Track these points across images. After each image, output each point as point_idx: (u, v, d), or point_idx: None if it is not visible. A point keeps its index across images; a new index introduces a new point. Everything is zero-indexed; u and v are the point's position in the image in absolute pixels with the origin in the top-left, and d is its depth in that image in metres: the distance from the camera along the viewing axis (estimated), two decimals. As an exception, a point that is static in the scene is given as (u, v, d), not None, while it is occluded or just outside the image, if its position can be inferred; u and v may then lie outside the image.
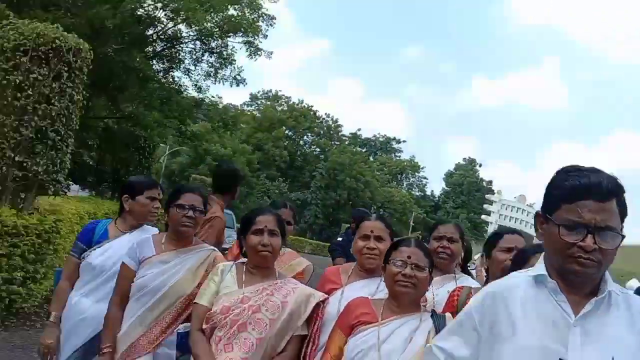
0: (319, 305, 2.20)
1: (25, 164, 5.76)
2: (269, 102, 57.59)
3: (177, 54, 13.49)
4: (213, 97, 14.84)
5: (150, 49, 13.10)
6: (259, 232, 2.23)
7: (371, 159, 65.39)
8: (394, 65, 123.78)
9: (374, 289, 2.29)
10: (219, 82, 13.72)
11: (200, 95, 14.14)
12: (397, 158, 71.06)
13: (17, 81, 5.71)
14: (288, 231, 2.65)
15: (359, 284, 2.34)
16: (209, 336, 2.15)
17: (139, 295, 2.42)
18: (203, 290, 2.26)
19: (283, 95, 59.04)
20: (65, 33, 6.13)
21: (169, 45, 13.44)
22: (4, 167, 5.68)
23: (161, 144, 27.43)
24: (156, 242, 2.56)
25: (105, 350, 2.38)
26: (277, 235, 2.26)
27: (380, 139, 71.51)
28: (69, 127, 6.31)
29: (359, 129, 69.22)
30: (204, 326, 2.16)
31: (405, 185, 69.93)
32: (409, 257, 2.02)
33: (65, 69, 6.11)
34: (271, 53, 13.75)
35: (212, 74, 13.69)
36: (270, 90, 59.97)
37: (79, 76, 6.38)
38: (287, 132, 54.14)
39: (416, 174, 70.92)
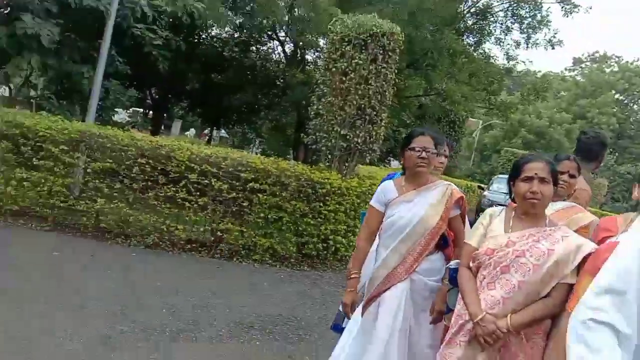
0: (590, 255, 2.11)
1: (347, 136, 6.85)
2: (595, 65, 50.80)
3: (488, 26, 13.43)
4: (524, 61, 14.19)
5: (462, 25, 13.39)
6: (529, 179, 2.27)
7: None
8: None
9: None
10: (532, 47, 13.15)
11: (510, 63, 13.74)
12: None
13: (343, 67, 6.80)
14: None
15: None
16: (475, 274, 2.34)
17: (390, 231, 2.82)
18: (472, 231, 2.47)
19: (613, 55, 51.47)
20: (380, 20, 6.94)
21: (479, 18, 13.50)
22: (332, 140, 6.90)
23: (472, 119, 27.66)
24: (397, 184, 2.92)
25: (353, 276, 2.91)
26: (548, 183, 2.27)
27: None
28: (383, 103, 7.13)
29: None
30: (471, 264, 2.36)
31: None
32: None
33: (381, 52, 6.91)
34: (590, 8, 12.30)
35: (524, 40, 13.18)
36: (597, 52, 52.94)
37: (392, 57, 7.11)
38: (616, 96, 46.81)
39: None
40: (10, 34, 8.35)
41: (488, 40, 13.64)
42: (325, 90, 6.97)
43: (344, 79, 6.79)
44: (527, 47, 13.24)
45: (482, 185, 17.43)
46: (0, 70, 9.82)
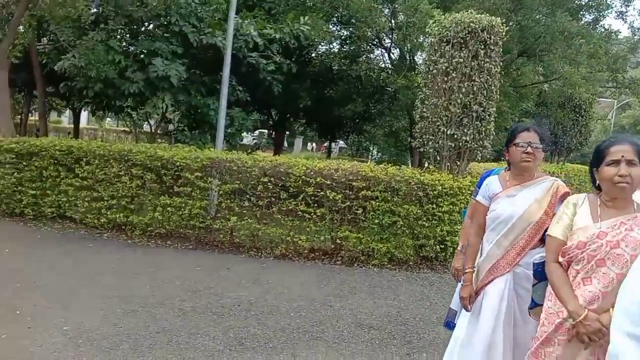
0: None
1: (455, 136, 6.87)
2: None
3: (605, 0, 12.37)
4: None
5: (576, 3, 12.52)
6: (615, 162, 2.17)
7: None
8: None
9: None
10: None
11: (634, 39, 12.52)
12: None
13: (444, 67, 6.85)
14: None
15: None
16: (566, 268, 2.29)
17: (494, 225, 2.89)
18: (556, 223, 2.39)
19: None
20: (478, 15, 6.88)
21: (594, -8, 12.54)
22: (440, 140, 6.95)
23: (606, 99, 25.30)
24: (502, 179, 2.98)
25: (468, 271, 2.98)
26: (636, 165, 2.17)
27: None
28: (490, 98, 7.04)
29: None
30: (560, 259, 2.30)
31: None
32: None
33: (482, 47, 6.86)
34: None
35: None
36: None
37: (495, 50, 7.01)
38: None
39: None
40: (145, 78, 9.60)
41: (609, 15, 12.60)
42: (427, 93, 7.06)
43: (445, 79, 6.84)
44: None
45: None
46: (140, 111, 11.26)
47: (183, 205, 7.38)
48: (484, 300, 2.89)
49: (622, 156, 2.17)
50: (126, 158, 7.70)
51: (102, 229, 7.80)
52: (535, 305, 2.56)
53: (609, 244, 2.14)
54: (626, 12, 12.67)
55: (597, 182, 2.32)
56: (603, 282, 2.15)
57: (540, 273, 2.50)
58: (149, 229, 7.57)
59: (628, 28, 12.47)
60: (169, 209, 7.46)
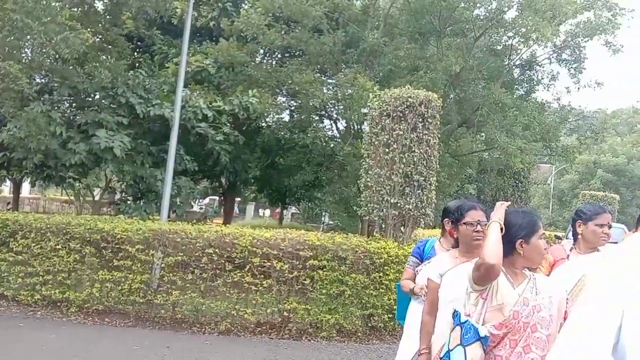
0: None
1: (398, 204, 7.03)
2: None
3: (535, 75, 13.47)
4: (580, 106, 14.03)
5: (509, 78, 13.49)
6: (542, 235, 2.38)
7: None
8: None
9: None
10: (582, 89, 13.14)
11: (563, 110, 13.59)
12: None
13: (385, 139, 7.11)
14: None
15: None
16: (499, 341, 2.28)
17: (445, 302, 2.89)
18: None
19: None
20: (415, 91, 7.27)
21: (526, 69, 13.59)
22: (384, 209, 7.09)
23: (545, 164, 26.72)
24: (451, 256, 3.03)
25: (423, 352, 2.89)
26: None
27: None
28: (430, 168, 7.30)
29: None
30: (496, 332, 2.27)
31: None
32: None
33: (420, 120, 7.19)
34: (621, 46, 12.11)
35: (574, 84, 13.12)
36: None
37: (433, 123, 7.35)
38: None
39: None
40: (89, 149, 9.45)
41: (537, 90, 13.66)
42: (371, 163, 7.27)
43: (387, 150, 7.08)
44: (578, 89, 13.17)
45: (560, 235, 16.61)
46: (81, 183, 10.99)
47: (123, 279, 7.08)
48: None
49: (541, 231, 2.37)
50: (64, 231, 7.40)
51: (36, 307, 7.33)
52: None
53: (534, 308, 2.25)
54: (554, 85, 13.81)
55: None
56: (540, 346, 2.22)
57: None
58: (86, 305, 7.18)
59: (555, 100, 13.53)
60: (107, 284, 7.13)
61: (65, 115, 10.10)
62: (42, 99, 10.00)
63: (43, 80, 10.87)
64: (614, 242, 3.14)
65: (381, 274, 6.73)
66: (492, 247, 2.28)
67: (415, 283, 3.51)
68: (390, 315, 6.80)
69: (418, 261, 3.55)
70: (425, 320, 3.01)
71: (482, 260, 2.27)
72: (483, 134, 13.19)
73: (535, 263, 2.41)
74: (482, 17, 12.06)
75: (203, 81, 11.81)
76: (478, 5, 11.80)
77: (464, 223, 2.96)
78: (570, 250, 3.23)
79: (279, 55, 14.24)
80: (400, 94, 7.16)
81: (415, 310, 3.41)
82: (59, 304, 7.30)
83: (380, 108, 7.22)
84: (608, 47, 11.94)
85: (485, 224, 2.88)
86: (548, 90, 13.79)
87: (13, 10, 8.37)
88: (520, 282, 2.35)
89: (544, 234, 2.39)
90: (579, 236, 3.21)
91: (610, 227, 3.14)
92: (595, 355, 1.48)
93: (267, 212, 38.66)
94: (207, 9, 12.33)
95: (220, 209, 21.45)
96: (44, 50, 9.14)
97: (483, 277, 2.30)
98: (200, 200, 16.94)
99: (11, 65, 8.20)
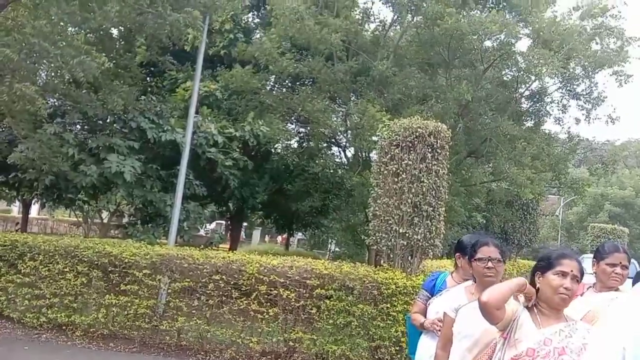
0: None
1: (407, 234, 6.99)
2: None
3: (544, 107, 13.50)
4: (588, 139, 13.99)
5: (518, 109, 13.55)
6: (563, 274, 2.35)
7: None
8: None
9: None
10: (593, 122, 13.15)
11: (572, 142, 13.57)
12: None
13: (394, 169, 7.12)
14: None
15: None
16: None
17: (459, 337, 2.86)
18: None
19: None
20: (425, 122, 7.30)
21: (535, 100, 13.65)
22: (392, 239, 7.06)
23: (553, 196, 26.59)
24: (467, 291, 3.02)
25: None
26: (578, 282, 2.39)
27: None
28: (439, 198, 7.28)
29: None
30: None
31: None
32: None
33: (429, 150, 7.20)
34: (629, 76, 12.01)
35: (584, 117, 13.09)
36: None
37: (442, 153, 7.36)
38: None
39: None
40: (100, 173, 9.53)
41: (547, 121, 13.70)
42: (379, 192, 7.26)
43: (396, 179, 7.08)
44: (588, 122, 13.15)
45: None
46: (93, 204, 11.05)
47: (129, 304, 7.05)
48: None
49: (572, 271, 2.36)
50: (73, 254, 7.42)
51: (41, 329, 7.31)
52: None
53: (556, 349, 2.25)
54: (563, 117, 13.81)
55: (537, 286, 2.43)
56: None
57: None
58: (91, 329, 7.15)
59: (565, 133, 13.54)
60: (113, 308, 7.11)
61: (78, 137, 10.21)
62: (54, 121, 10.14)
63: (56, 103, 11.04)
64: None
65: (389, 305, 6.64)
66: (495, 288, 2.36)
67: (425, 317, 3.48)
68: (398, 348, 6.69)
69: (429, 295, 3.53)
70: (439, 354, 2.99)
71: (479, 297, 2.36)
72: (491, 165, 13.20)
73: (550, 301, 2.36)
74: (490, 49, 12.18)
75: (211, 106, 11.96)
76: (487, 37, 11.95)
77: (476, 259, 2.95)
78: (588, 289, 3.15)
79: (289, 84, 14.41)
80: (409, 124, 7.19)
81: (425, 345, 3.38)
82: (64, 327, 7.28)
83: (389, 138, 7.25)
84: (616, 78, 11.93)
85: (498, 261, 2.89)
86: (559, 124, 13.78)
87: (32, 34, 8.59)
88: (550, 324, 2.34)
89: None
90: (594, 275, 3.16)
91: (625, 267, 3.05)
92: None
93: (279, 238, 38.61)
94: (219, 37, 12.57)
95: (227, 234, 21.46)
96: (59, 73, 9.30)
97: (483, 314, 2.37)
98: (207, 225, 16.93)
99: (27, 87, 8.35)
